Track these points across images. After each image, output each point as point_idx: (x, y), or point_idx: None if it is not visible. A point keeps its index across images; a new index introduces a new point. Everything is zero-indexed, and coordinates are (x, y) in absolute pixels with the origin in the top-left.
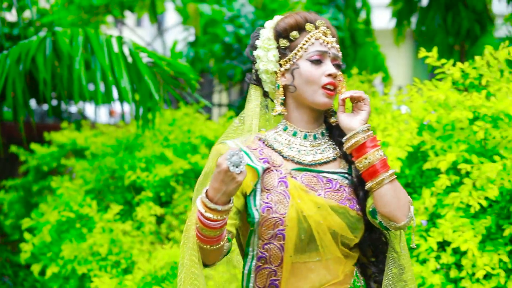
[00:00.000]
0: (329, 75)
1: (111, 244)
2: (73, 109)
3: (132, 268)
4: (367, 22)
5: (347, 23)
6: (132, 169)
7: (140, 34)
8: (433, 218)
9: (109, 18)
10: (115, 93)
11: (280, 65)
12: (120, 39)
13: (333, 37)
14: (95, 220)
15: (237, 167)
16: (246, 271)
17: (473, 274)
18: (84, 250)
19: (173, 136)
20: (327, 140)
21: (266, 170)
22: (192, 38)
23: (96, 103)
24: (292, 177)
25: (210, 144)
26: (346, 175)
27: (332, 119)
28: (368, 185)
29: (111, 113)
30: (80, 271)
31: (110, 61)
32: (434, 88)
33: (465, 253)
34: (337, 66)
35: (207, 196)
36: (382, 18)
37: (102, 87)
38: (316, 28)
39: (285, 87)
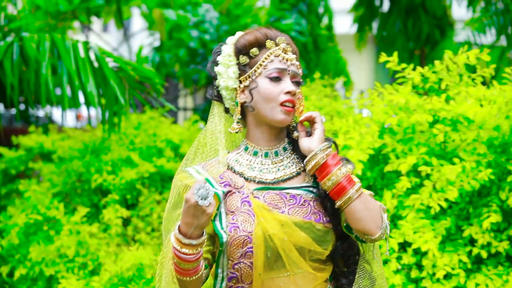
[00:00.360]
0: (288, 92)
1: (78, 246)
2: (40, 113)
3: (99, 269)
4: (329, 27)
5: (310, 28)
6: (98, 172)
7: (107, 39)
8: (394, 219)
9: (76, 24)
10: (81, 98)
11: (240, 82)
12: (86, 44)
13: (293, 53)
14: (63, 223)
15: (205, 199)
16: None
17: (434, 274)
18: (51, 252)
19: (139, 140)
20: (290, 155)
21: (228, 193)
22: (157, 43)
23: (63, 107)
24: (254, 197)
25: (175, 148)
26: (311, 189)
27: (295, 134)
28: (337, 204)
29: (78, 117)
30: (48, 273)
31: (76, 66)
32: (394, 92)
33: (425, 253)
34: (297, 83)
35: (180, 232)
36: (344, 24)
37: (68, 92)
38: (276, 45)
39: (244, 104)
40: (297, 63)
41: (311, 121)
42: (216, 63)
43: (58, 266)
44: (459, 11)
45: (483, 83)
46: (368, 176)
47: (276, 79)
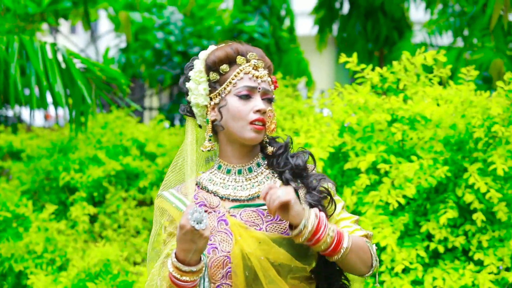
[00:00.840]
0: (258, 111)
1: (46, 242)
2: (9, 113)
3: (67, 265)
4: (291, 29)
5: (272, 30)
6: (66, 171)
7: (74, 41)
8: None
9: (44, 26)
10: (49, 98)
11: (211, 99)
12: (54, 46)
13: (266, 68)
14: (31, 220)
15: (200, 223)
16: None
17: (392, 268)
18: (20, 248)
19: (106, 139)
20: (264, 170)
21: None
22: (123, 45)
23: (31, 107)
24: (231, 215)
25: (141, 146)
26: None
27: (269, 149)
28: (333, 259)
29: (46, 117)
30: (17, 269)
31: (44, 67)
32: (354, 92)
33: (384, 248)
34: (268, 100)
35: (178, 259)
36: (305, 26)
37: (37, 92)
38: (247, 61)
39: (214, 123)
40: (269, 79)
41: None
42: (188, 79)
43: (27, 262)
44: (417, 14)
45: (440, 83)
46: (329, 173)
47: (246, 97)
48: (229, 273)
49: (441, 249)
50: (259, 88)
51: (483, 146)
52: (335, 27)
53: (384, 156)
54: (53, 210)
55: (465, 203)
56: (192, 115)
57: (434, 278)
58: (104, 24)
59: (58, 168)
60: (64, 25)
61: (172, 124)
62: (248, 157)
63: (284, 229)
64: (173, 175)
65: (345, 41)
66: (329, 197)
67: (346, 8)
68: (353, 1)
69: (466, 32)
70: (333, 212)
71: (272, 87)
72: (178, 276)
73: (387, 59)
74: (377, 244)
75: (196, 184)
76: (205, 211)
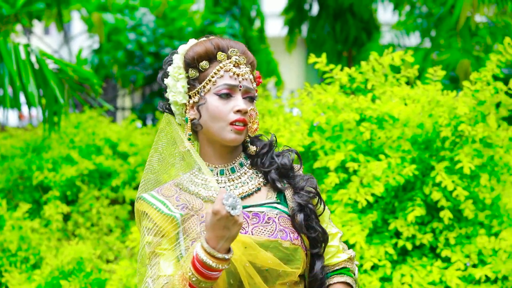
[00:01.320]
0: (238, 111)
1: (20, 241)
2: None
3: (41, 263)
4: (261, 30)
5: (243, 31)
6: (39, 170)
7: (48, 42)
8: None
9: (18, 27)
10: (22, 98)
11: (190, 97)
12: (27, 47)
13: (248, 64)
14: (5, 218)
15: (235, 208)
16: None
17: (361, 265)
18: None
19: (78, 138)
20: (247, 170)
21: (186, 216)
22: (96, 46)
23: (5, 107)
24: None
25: (113, 146)
26: (275, 205)
27: (252, 149)
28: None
29: (19, 117)
30: None
31: (17, 67)
32: (323, 92)
33: (353, 246)
34: (250, 99)
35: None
36: (275, 27)
37: (10, 92)
38: (228, 57)
39: (192, 121)
40: (251, 76)
41: None
42: (166, 74)
43: (1, 260)
44: (385, 15)
45: (407, 83)
46: None
47: (226, 96)
48: None
49: (409, 246)
50: (240, 87)
51: (450, 145)
52: (304, 28)
53: (353, 155)
54: (27, 209)
55: (432, 201)
56: (171, 113)
57: (402, 275)
58: (77, 25)
59: (31, 167)
60: (37, 26)
61: (144, 124)
62: (230, 157)
63: (271, 232)
64: (150, 175)
65: (314, 42)
66: (317, 197)
67: (315, 10)
68: (322, 2)
69: (433, 33)
70: (322, 212)
71: (255, 84)
72: (213, 265)
73: (356, 59)
74: (346, 242)
75: (177, 185)
76: (187, 214)
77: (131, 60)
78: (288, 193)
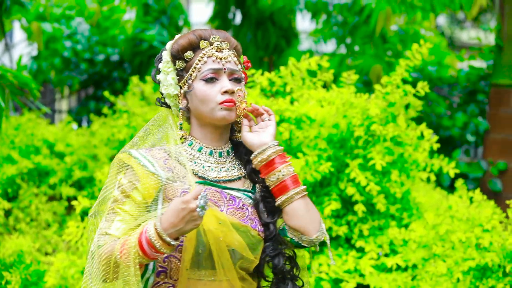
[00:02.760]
0: (225, 92)
1: None
2: None
3: None
4: None
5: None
6: None
7: None
8: None
9: None
10: None
11: (180, 87)
12: None
13: (230, 49)
14: None
15: (203, 210)
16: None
17: None
18: None
19: (18, 139)
20: (232, 160)
21: (169, 181)
22: (35, 53)
23: None
24: None
25: (51, 146)
26: (250, 194)
27: (239, 135)
28: (280, 199)
29: None
30: None
31: None
32: None
33: None
34: (236, 80)
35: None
36: None
37: None
38: (211, 44)
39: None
40: (235, 59)
41: (257, 115)
42: (158, 71)
43: None
44: (303, 23)
45: (324, 86)
46: None
47: (212, 80)
48: (179, 247)
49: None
50: (225, 69)
51: (363, 144)
52: None
53: None
54: None
55: (347, 196)
56: (168, 106)
57: (320, 264)
58: (17, 34)
59: None
60: None
61: (80, 125)
62: (220, 141)
63: (243, 217)
64: (140, 141)
65: None
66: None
67: (238, 19)
68: (245, 12)
69: (348, 40)
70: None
71: (239, 66)
72: (156, 244)
73: (276, 65)
74: None
75: (166, 151)
76: (171, 179)
77: (67, 66)
78: (259, 187)
